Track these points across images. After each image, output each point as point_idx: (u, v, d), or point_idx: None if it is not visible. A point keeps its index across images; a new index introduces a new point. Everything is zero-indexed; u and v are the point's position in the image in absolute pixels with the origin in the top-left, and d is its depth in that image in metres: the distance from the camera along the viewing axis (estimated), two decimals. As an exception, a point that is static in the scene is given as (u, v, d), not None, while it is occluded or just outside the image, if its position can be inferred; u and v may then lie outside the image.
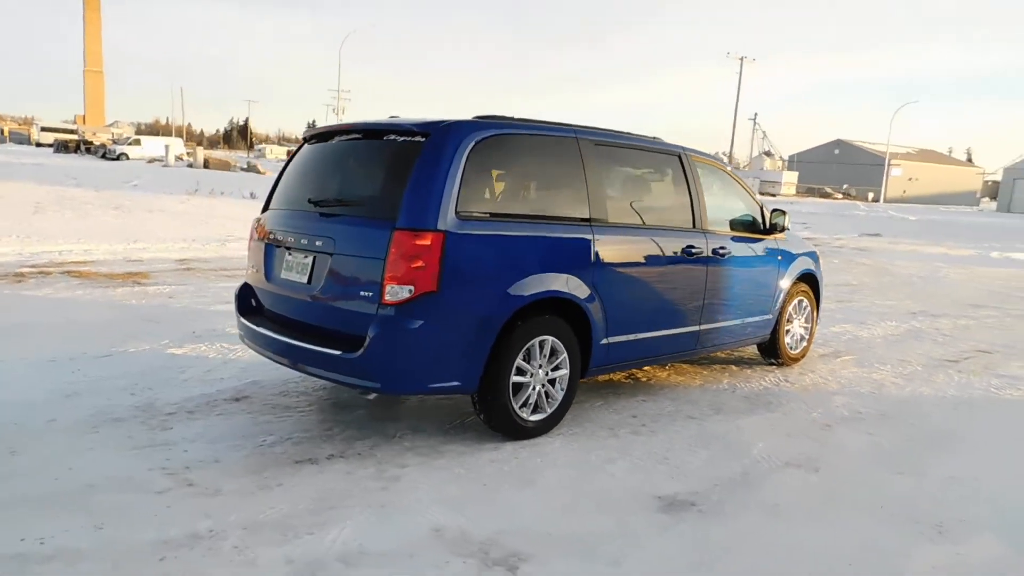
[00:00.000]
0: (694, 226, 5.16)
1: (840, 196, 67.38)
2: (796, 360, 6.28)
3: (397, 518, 3.18)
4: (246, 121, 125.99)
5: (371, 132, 4.23)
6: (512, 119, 4.32)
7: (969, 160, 79.60)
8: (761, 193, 53.46)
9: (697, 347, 5.31)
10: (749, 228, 5.71)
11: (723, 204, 5.55)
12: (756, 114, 48.29)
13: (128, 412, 4.25)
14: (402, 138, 3.99)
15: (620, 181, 4.80)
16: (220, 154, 67.96)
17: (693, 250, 5.03)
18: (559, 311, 4.24)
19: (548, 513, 3.32)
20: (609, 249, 4.46)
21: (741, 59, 42.52)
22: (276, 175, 4.83)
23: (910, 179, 66.66)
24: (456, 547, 2.97)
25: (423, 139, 3.87)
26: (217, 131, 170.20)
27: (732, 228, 5.54)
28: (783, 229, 5.86)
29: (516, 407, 4.10)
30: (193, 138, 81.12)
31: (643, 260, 4.73)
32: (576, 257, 4.30)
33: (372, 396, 4.50)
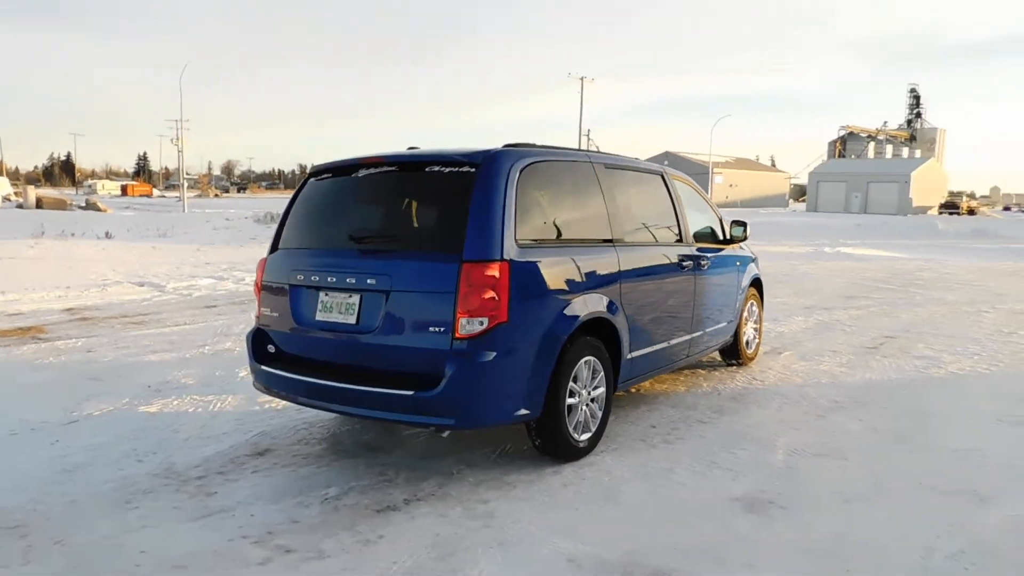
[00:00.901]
0: (681, 240, 5.46)
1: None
2: (751, 359, 6.75)
3: (524, 552, 3.13)
4: (68, 156, 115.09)
5: (408, 164, 4.14)
6: (536, 146, 4.38)
7: (773, 165, 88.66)
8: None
9: (690, 355, 5.60)
10: (714, 239, 6.10)
11: (695, 217, 5.89)
12: (589, 130, 50.68)
13: (152, 481, 3.84)
14: (448, 169, 3.93)
15: (627, 201, 4.98)
16: (53, 192, 61.61)
17: (684, 263, 5.32)
18: (597, 331, 4.34)
19: (657, 527, 3.39)
20: (629, 267, 4.62)
21: (582, 79, 44.74)
22: (282, 216, 4.54)
23: (731, 185, 73.12)
24: (602, 572, 2.98)
25: (473, 169, 3.84)
26: (36, 167, 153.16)
27: (702, 240, 5.90)
28: (744, 239, 6.31)
29: (570, 429, 4.15)
30: (9, 175, 72.74)
31: (652, 275, 4.94)
32: (607, 277, 4.42)
33: (446, 434, 4.35)
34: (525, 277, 3.81)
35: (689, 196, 5.92)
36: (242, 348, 7.00)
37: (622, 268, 4.55)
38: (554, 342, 3.95)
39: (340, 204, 4.37)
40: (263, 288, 4.38)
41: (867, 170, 70.65)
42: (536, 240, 3.99)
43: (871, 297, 11.39)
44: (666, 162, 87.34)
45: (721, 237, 6.22)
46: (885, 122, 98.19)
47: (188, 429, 4.69)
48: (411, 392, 3.63)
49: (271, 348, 4.33)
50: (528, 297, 3.82)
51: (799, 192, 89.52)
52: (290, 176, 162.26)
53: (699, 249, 5.64)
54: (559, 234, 4.22)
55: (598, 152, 4.89)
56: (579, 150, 4.70)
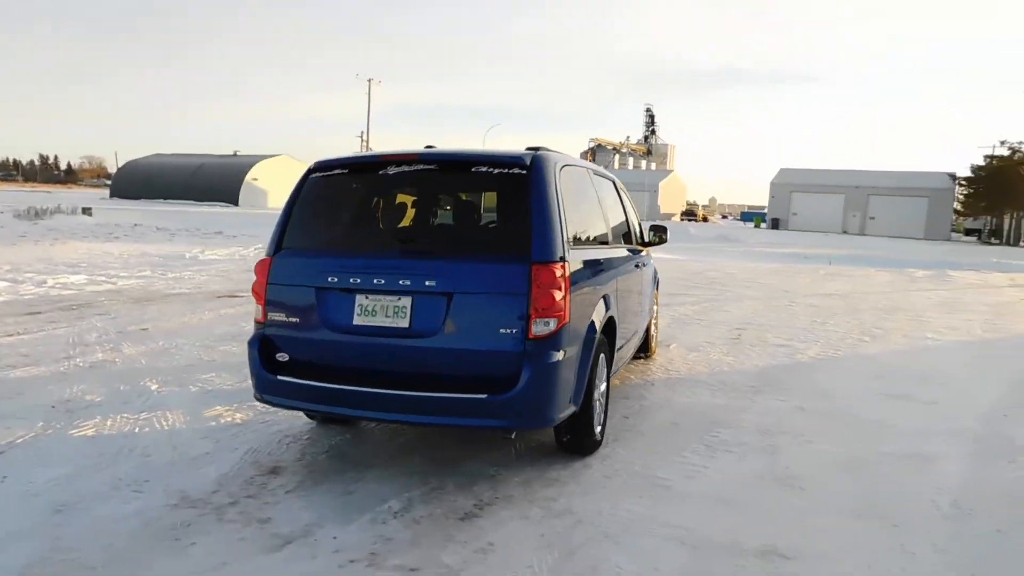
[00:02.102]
0: (631, 241, 5.82)
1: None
2: (654, 352, 7.33)
3: (635, 542, 3.23)
4: None
5: (451, 164, 4.00)
6: (548, 150, 4.46)
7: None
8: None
9: (636, 348, 5.97)
10: (641, 242, 6.55)
11: (629, 220, 6.29)
12: (362, 132, 50.25)
13: (181, 513, 3.34)
14: (497, 170, 3.87)
15: (607, 204, 5.20)
16: None
17: (638, 263, 5.69)
18: (605, 327, 4.52)
19: (723, 505, 3.66)
20: (616, 266, 4.87)
21: (369, 81, 43.99)
22: (283, 213, 4.11)
23: None
24: (714, 549, 3.18)
25: (524, 171, 3.82)
26: None
27: (631, 241, 6.31)
28: (664, 242, 6.83)
29: (594, 424, 4.29)
30: None
31: (627, 274, 5.23)
32: (610, 275, 4.63)
33: (513, 435, 4.19)
34: (576, 276, 3.89)
35: (625, 201, 6.31)
36: (122, 359, 6.20)
37: (615, 267, 4.78)
38: (592, 339, 4.08)
39: (369, 203, 4.10)
40: (271, 292, 3.96)
41: (623, 180, 77.25)
42: (574, 240, 4.08)
43: (692, 295, 12.72)
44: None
45: (643, 240, 6.69)
46: (628, 137, 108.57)
47: (158, 452, 4.09)
48: (484, 396, 3.54)
49: (282, 356, 3.94)
50: (578, 295, 3.91)
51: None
52: (28, 167, 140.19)
53: (636, 251, 6.04)
54: (583, 235, 4.34)
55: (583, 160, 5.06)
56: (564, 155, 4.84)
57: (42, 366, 5.91)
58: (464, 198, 4.09)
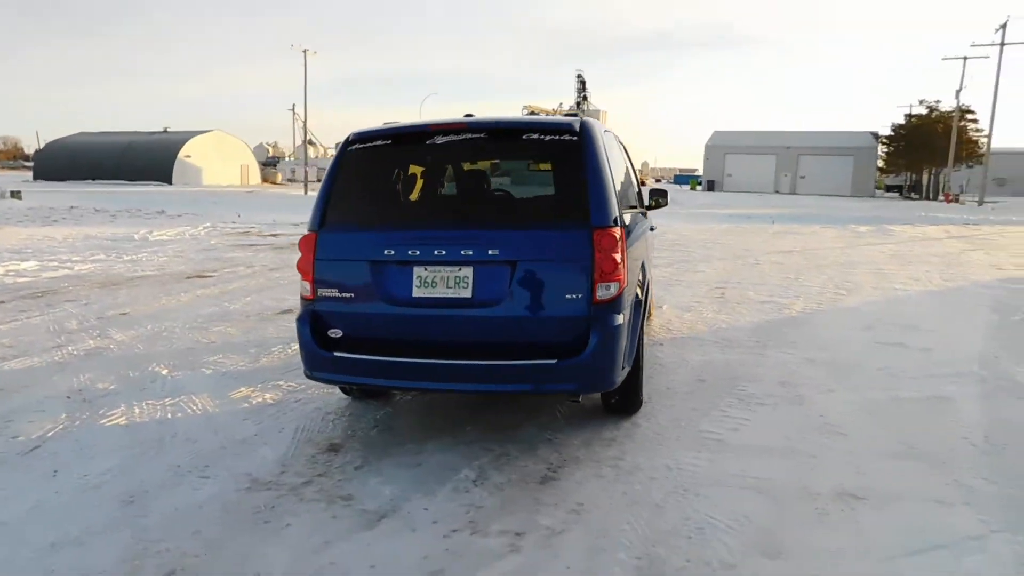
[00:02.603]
0: (641, 204, 5.86)
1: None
2: (652, 314, 7.45)
3: (713, 492, 3.32)
4: None
5: (501, 131, 3.94)
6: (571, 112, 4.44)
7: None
8: (318, 180, 54.59)
9: (648, 312, 6.05)
10: (643, 204, 6.61)
11: (636, 183, 6.33)
12: (294, 104, 48.78)
13: (256, 496, 3.27)
14: (548, 137, 3.84)
15: (628, 168, 5.22)
16: None
17: (651, 226, 5.75)
18: (643, 288, 4.57)
19: (781, 455, 3.79)
20: (642, 228, 4.92)
21: (304, 51, 42.46)
22: (323, 186, 3.98)
23: None
24: (787, 494, 3.30)
25: (575, 137, 3.79)
26: None
27: (641, 204, 6.36)
28: (665, 205, 6.89)
29: (641, 384, 4.36)
30: None
31: (645, 237, 5.29)
32: (640, 237, 4.68)
33: (580, 399, 4.19)
34: (628, 240, 3.92)
35: (631, 164, 6.34)
36: (116, 345, 5.97)
37: (642, 230, 4.83)
38: (638, 300, 4.14)
39: (416, 173, 4.00)
40: (319, 268, 3.86)
41: None
42: (619, 204, 4.09)
43: (661, 256, 12.93)
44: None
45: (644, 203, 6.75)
46: (561, 103, 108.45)
47: (203, 437, 3.97)
48: (555, 361, 3.56)
49: (335, 332, 3.85)
50: (630, 259, 3.94)
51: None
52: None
53: (645, 213, 6.10)
54: (622, 199, 4.36)
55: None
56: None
57: (35, 356, 5.63)
58: (516, 165, 4.03)
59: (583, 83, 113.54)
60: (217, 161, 59.35)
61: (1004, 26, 42.17)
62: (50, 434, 3.99)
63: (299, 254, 3.93)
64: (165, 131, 63.60)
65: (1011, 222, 25.55)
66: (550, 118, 3.94)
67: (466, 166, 4.10)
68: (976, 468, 3.66)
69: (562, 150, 3.81)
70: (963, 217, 28.09)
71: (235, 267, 10.86)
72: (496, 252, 3.62)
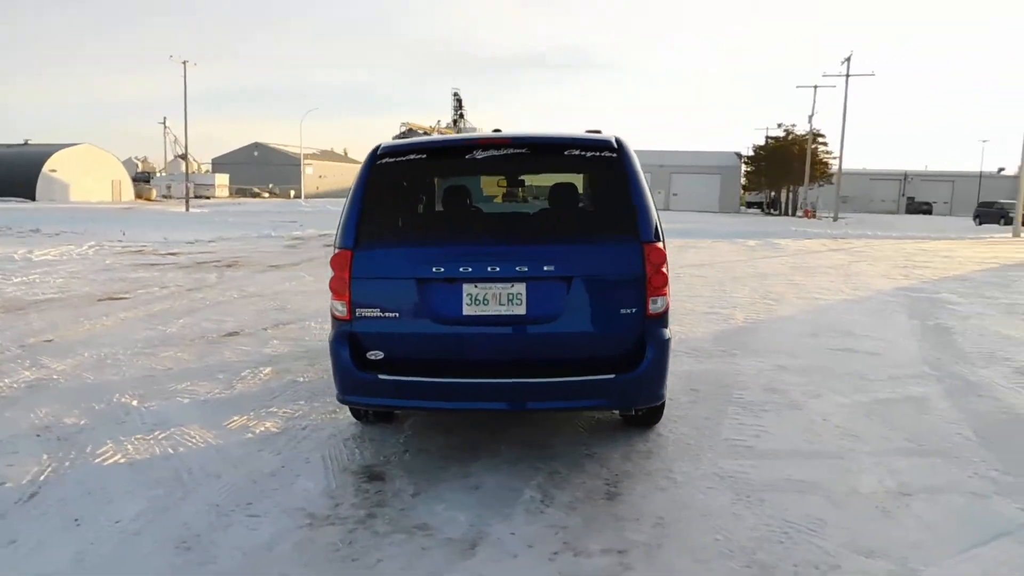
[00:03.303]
0: None
1: (267, 195, 70.61)
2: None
3: (786, 500, 3.41)
4: None
5: (544, 147, 3.91)
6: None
7: (346, 156, 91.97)
8: (196, 196, 51.72)
9: None
10: None
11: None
12: (165, 118, 45.93)
13: (326, 533, 3.03)
14: (589, 153, 3.84)
15: None
16: None
17: None
18: None
19: (836, 460, 3.95)
20: None
21: (184, 63, 39.98)
22: (353, 202, 3.77)
23: (320, 176, 73.69)
24: (868, 496, 3.45)
25: (614, 154, 3.81)
26: None
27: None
28: None
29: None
30: None
31: None
32: None
33: (635, 412, 4.10)
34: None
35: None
36: (61, 376, 5.42)
37: None
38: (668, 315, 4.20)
39: (454, 188, 3.91)
40: (357, 287, 3.66)
41: None
42: None
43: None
44: (256, 153, 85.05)
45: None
46: (439, 120, 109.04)
47: (225, 472, 3.65)
48: (612, 376, 3.54)
49: (375, 354, 3.65)
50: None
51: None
52: None
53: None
54: None
55: None
56: None
57: (-32, 392, 4.98)
58: (557, 181, 3.99)
59: (459, 101, 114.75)
60: (86, 176, 54.80)
61: (848, 59, 46.36)
62: (42, 478, 3.54)
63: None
64: (26, 143, 58.37)
65: (868, 236, 27.91)
66: (587, 135, 3.94)
67: (501, 182, 4.02)
68: (986, 461, 3.95)
69: (602, 166, 3.82)
70: (828, 232, 30.44)
71: (147, 287, 10.09)
72: (552, 268, 3.58)
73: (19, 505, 3.26)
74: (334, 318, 3.74)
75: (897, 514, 3.29)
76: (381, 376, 3.58)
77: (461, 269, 3.57)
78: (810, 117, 53.69)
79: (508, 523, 3.13)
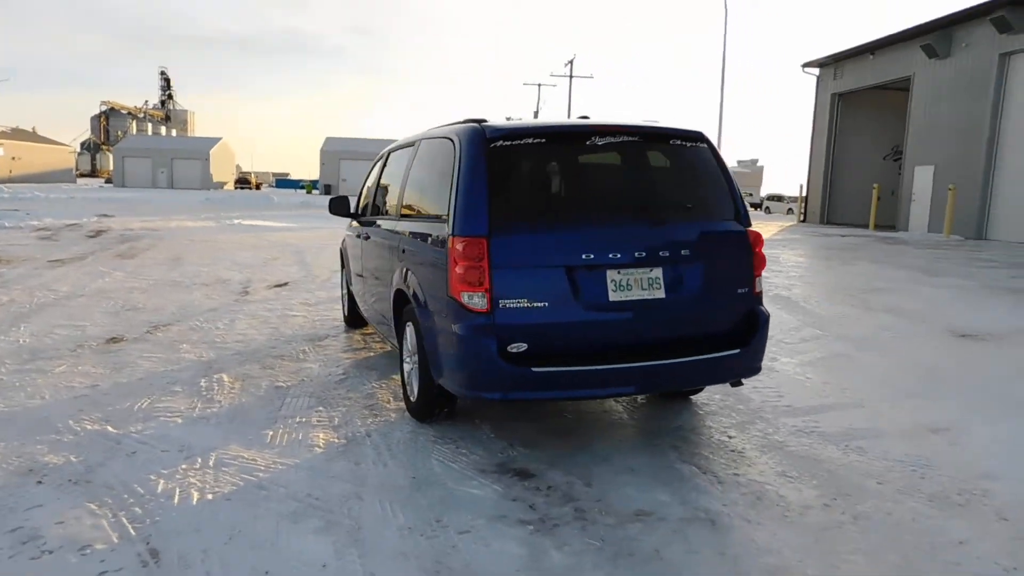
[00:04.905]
0: None
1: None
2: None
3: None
4: None
5: (651, 136, 3.91)
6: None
7: (35, 134, 77.43)
8: None
9: None
10: None
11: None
12: None
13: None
14: (688, 143, 3.91)
15: None
16: None
17: None
18: None
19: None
20: None
21: None
22: (473, 185, 3.45)
23: (13, 158, 61.60)
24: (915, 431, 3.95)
25: (705, 144, 3.94)
26: None
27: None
28: None
29: None
30: None
31: None
32: None
33: (744, 382, 4.04)
34: None
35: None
36: (49, 392, 4.21)
37: None
38: None
39: (575, 173, 3.81)
40: (499, 277, 3.35)
41: (171, 147, 70.27)
42: None
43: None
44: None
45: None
46: (147, 101, 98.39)
47: (363, 494, 3.11)
48: (738, 351, 3.68)
49: (518, 347, 3.36)
50: None
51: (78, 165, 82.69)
52: None
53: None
54: None
55: None
56: None
57: None
58: (672, 169, 3.95)
59: (167, 81, 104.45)
60: None
61: (571, 62, 50.69)
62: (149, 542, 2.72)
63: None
64: None
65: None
66: (682, 128, 3.96)
67: (632, 168, 3.92)
68: (973, 394, 4.72)
69: (698, 155, 3.91)
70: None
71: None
72: (687, 252, 3.64)
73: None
74: (467, 310, 3.36)
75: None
76: (535, 369, 3.32)
77: (611, 255, 3.47)
78: (535, 113, 57.72)
79: (706, 498, 3.12)
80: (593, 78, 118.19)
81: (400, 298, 4.23)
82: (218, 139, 71.96)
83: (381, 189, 5.35)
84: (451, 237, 3.45)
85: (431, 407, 3.93)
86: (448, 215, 3.55)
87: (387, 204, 5.07)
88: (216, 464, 3.40)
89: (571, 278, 3.43)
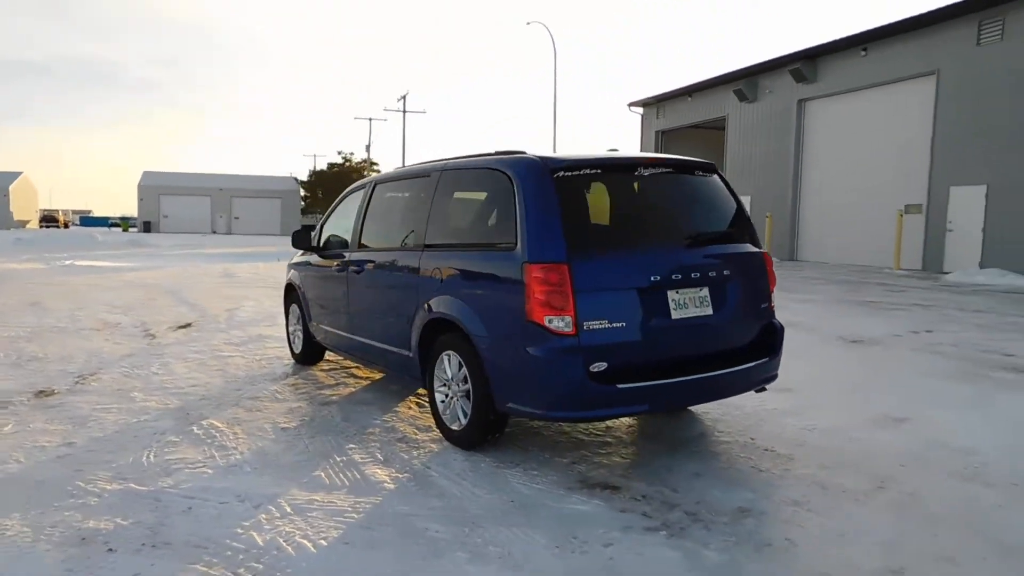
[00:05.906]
0: None
1: None
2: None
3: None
4: None
5: (681, 166, 4.24)
6: None
7: None
8: None
9: None
10: None
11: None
12: None
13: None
14: (706, 175, 4.30)
15: None
16: None
17: None
18: None
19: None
20: None
21: None
22: (545, 214, 3.61)
23: None
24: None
25: (715, 175, 4.35)
26: None
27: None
28: None
29: None
30: None
31: None
32: None
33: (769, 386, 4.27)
34: None
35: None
36: (21, 454, 3.66)
37: None
38: None
39: (631, 201, 4.09)
40: (582, 301, 3.51)
41: None
42: None
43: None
44: None
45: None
46: None
47: (467, 538, 3.08)
48: (765, 359, 4.08)
49: (598, 366, 3.51)
50: None
51: None
52: None
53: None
54: None
55: None
56: None
57: None
58: (698, 196, 4.26)
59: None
60: None
61: (404, 97, 51.05)
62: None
63: None
64: None
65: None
66: (701, 160, 4.32)
67: (674, 196, 4.21)
68: (902, 390, 5.47)
69: (714, 186, 4.30)
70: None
71: None
72: (728, 272, 4.00)
73: None
74: (550, 333, 3.46)
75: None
76: (620, 386, 3.49)
77: (674, 277, 3.77)
78: (367, 146, 57.72)
79: (733, 554, 3.43)
80: (426, 113, 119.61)
81: (434, 328, 4.20)
82: (19, 173, 64.18)
83: (376, 222, 5.23)
84: (526, 264, 3.55)
85: (484, 433, 3.95)
86: (516, 244, 3.65)
87: (392, 236, 4.98)
88: (296, 510, 3.20)
89: (642, 299, 3.67)
